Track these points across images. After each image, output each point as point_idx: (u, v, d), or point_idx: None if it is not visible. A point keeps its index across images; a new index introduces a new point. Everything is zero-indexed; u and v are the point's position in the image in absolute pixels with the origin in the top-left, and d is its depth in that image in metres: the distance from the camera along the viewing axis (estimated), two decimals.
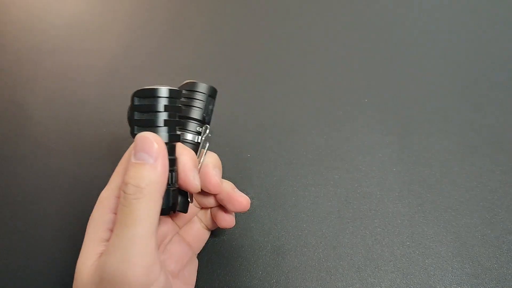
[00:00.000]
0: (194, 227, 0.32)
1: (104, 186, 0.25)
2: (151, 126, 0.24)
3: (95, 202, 0.26)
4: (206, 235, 0.33)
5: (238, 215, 0.35)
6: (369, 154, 0.38)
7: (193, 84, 0.29)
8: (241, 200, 0.30)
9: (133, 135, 0.24)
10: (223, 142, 0.40)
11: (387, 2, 0.52)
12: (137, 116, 0.25)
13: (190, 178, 0.26)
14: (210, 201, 0.30)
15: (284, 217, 0.35)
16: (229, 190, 0.29)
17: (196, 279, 0.31)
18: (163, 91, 0.25)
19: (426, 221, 0.35)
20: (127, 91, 0.44)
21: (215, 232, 0.34)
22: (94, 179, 0.38)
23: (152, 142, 0.23)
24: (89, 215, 0.25)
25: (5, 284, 0.33)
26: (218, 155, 0.39)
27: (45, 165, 0.39)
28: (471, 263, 0.32)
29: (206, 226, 0.32)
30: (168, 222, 0.30)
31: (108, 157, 0.39)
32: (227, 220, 0.31)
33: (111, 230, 0.24)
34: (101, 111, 0.43)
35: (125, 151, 0.26)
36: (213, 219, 0.32)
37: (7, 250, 0.35)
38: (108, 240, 0.24)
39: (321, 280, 0.32)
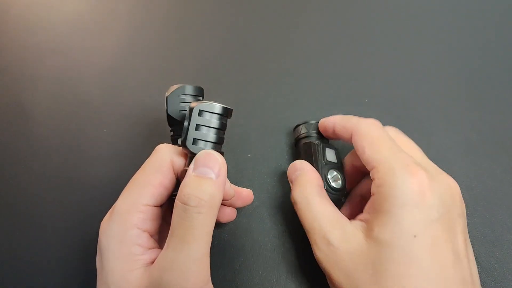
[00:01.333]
0: None
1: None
2: (210, 141, 0.25)
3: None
4: None
5: (239, 215, 0.35)
6: None
7: (184, 88, 0.31)
8: (246, 194, 0.31)
9: (187, 147, 0.25)
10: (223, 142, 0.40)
11: (387, 1, 0.52)
12: (197, 129, 0.25)
13: (227, 188, 0.27)
14: None
15: (284, 217, 0.35)
16: (233, 188, 0.30)
17: None
18: (228, 110, 0.26)
19: None
20: (128, 91, 0.44)
21: (215, 232, 0.35)
22: (94, 179, 0.38)
23: (217, 159, 0.24)
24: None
25: (6, 283, 0.33)
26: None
27: (45, 164, 0.39)
28: None
29: None
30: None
31: (108, 157, 0.39)
32: (229, 214, 0.32)
33: (140, 245, 0.24)
34: (101, 111, 0.43)
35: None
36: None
37: (7, 250, 0.35)
38: (139, 255, 0.23)
39: (321, 280, 0.32)
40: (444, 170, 0.37)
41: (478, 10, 0.51)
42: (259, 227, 0.35)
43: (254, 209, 0.36)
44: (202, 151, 0.24)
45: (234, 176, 0.38)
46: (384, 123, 0.41)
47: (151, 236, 0.25)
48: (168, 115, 0.30)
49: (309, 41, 0.48)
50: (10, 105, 0.44)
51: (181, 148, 0.26)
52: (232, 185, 0.30)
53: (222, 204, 0.31)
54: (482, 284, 0.32)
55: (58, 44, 0.49)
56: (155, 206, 0.25)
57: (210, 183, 0.23)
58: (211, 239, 0.23)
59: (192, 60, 0.47)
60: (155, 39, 0.49)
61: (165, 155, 0.26)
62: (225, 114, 0.26)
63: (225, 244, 0.34)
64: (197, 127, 0.25)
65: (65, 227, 0.35)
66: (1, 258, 0.34)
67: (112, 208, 0.25)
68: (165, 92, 0.31)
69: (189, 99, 0.30)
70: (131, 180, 0.25)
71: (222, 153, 0.25)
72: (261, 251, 0.34)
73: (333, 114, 0.42)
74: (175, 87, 0.31)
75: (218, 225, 0.35)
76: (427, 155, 0.38)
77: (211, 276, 0.32)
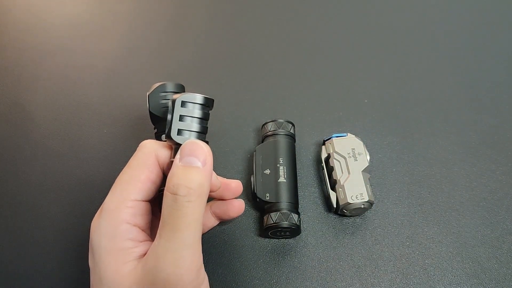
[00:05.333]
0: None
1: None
2: (194, 131, 0.26)
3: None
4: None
5: (239, 216, 0.35)
6: (369, 155, 0.38)
7: (166, 86, 0.31)
8: (235, 185, 0.31)
9: (172, 138, 0.25)
10: (223, 143, 0.40)
11: (387, 1, 0.52)
12: (181, 119, 0.25)
13: (212, 179, 0.27)
14: None
15: None
16: (220, 180, 0.30)
17: None
18: (209, 100, 0.26)
19: (426, 221, 0.35)
20: (127, 92, 0.44)
21: (216, 232, 0.35)
22: (95, 179, 0.38)
23: (203, 147, 0.24)
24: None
25: (6, 283, 0.33)
26: (218, 155, 0.39)
27: (46, 165, 0.39)
28: (471, 263, 0.33)
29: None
30: None
31: (108, 158, 0.39)
32: (238, 206, 0.32)
33: (131, 239, 0.24)
34: (101, 112, 0.43)
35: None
36: (219, 216, 0.32)
37: (8, 250, 0.35)
38: (131, 248, 0.24)
39: (321, 280, 0.32)
40: (444, 171, 0.38)
41: (477, 11, 0.51)
42: (259, 227, 0.35)
43: (254, 209, 0.36)
44: (187, 141, 0.24)
45: (235, 176, 0.38)
46: (384, 123, 0.41)
47: (142, 230, 0.25)
48: (150, 112, 0.31)
49: (310, 42, 0.48)
50: (10, 106, 0.44)
51: (164, 142, 0.26)
52: (220, 177, 0.30)
53: (211, 196, 0.31)
54: (482, 285, 0.32)
55: (58, 46, 0.49)
56: (143, 201, 0.25)
57: (197, 172, 0.23)
58: (201, 226, 0.23)
59: (192, 61, 0.47)
60: (155, 40, 0.49)
61: (150, 150, 0.26)
62: (207, 104, 0.26)
63: (225, 244, 0.34)
64: (181, 117, 0.25)
65: (65, 227, 0.35)
66: (3, 259, 0.34)
67: (101, 206, 0.25)
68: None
69: (170, 96, 0.31)
70: (118, 177, 0.25)
71: (206, 142, 0.26)
72: (261, 252, 0.34)
73: (333, 114, 0.42)
74: (156, 85, 0.31)
75: (218, 226, 0.35)
76: (427, 157, 0.39)
77: (211, 277, 0.32)
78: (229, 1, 0.53)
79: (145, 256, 0.23)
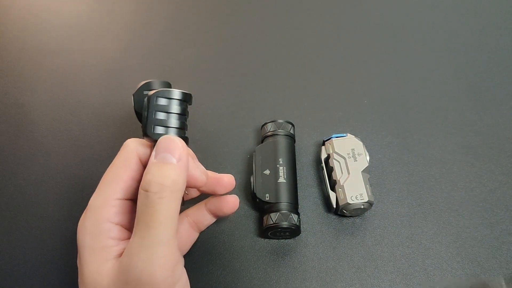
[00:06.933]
0: (180, 228, 0.31)
1: None
2: (170, 127, 0.25)
3: None
4: (194, 236, 0.32)
5: (238, 217, 0.35)
6: (369, 155, 0.38)
7: (150, 84, 0.31)
8: (227, 179, 0.31)
9: (148, 134, 0.25)
10: (223, 143, 0.40)
11: (387, 2, 0.52)
12: (156, 116, 0.25)
13: (196, 174, 0.26)
14: (192, 193, 0.31)
15: None
16: (212, 175, 0.30)
17: (196, 280, 0.31)
18: (186, 95, 0.26)
19: (426, 222, 0.35)
20: (126, 92, 0.44)
21: (215, 233, 0.35)
22: (93, 179, 0.38)
23: (178, 143, 0.24)
24: None
25: (5, 283, 0.33)
26: (217, 156, 0.39)
27: (45, 165, 0.39)
28: (470, 264, 0.33)
29: (196, 225, 0.32)
30: None
31: (107, 158, 0.39)
32: (233, 202, 0.31)
33: (112, 238, 0.24)
34: (101, 112, 0.43)
35: None
36: (214, 213, 0.32)
37: (7, 250, 0.35)
38: (112, 247, 0.24)
39: (321, 280, 0.32)
40: (444, 171, 0.38)
41: (478, 10, 0.51)
42: (259, 228, 0.35)
43: (252, 210, 0.36)
44: (162, 137, 0.24)
45: (234, 177, 0.37)
46: (384, 124, 0.41)
47: (126, 229, 0.25)
48: (136, 111, 0.31)
49: (309, 42, 0.48)
50: (9, 106, 0.44)
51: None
52: (211, 172, 0.30)
53: (202, 192, 0.31)
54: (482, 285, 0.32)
55: (57, 46, 0.49)
56: (126, 200, 0.25)
57: (171, 168, 0.23)
58: (176, 223, 0.23)
59: (190, 61, 0.47)
60: (154, 41, 0.49)
61: (131, 149, 0.26)
62: (184, 99, 0.26)
63: (224, 245, 0.34)
64: (156, 114, 0.25)
65: (64, 227, 0.36)
66: (2, 258, 0.34)
67: (87, 205, 0.25)
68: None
69: None
70: (102, 176, 0.25)
71: (185, 138, 0.25)
72: (261, 252, 0.34)
73: (333, 115, 0.42)
74: (141, 83, 0.31)
75: (218, 226, 0.35)
76: (427, 157, 0.39)
77: (210, 277, 0.32)
78: (228, 1, 0.53)
79: (123, 253, 0.23)
